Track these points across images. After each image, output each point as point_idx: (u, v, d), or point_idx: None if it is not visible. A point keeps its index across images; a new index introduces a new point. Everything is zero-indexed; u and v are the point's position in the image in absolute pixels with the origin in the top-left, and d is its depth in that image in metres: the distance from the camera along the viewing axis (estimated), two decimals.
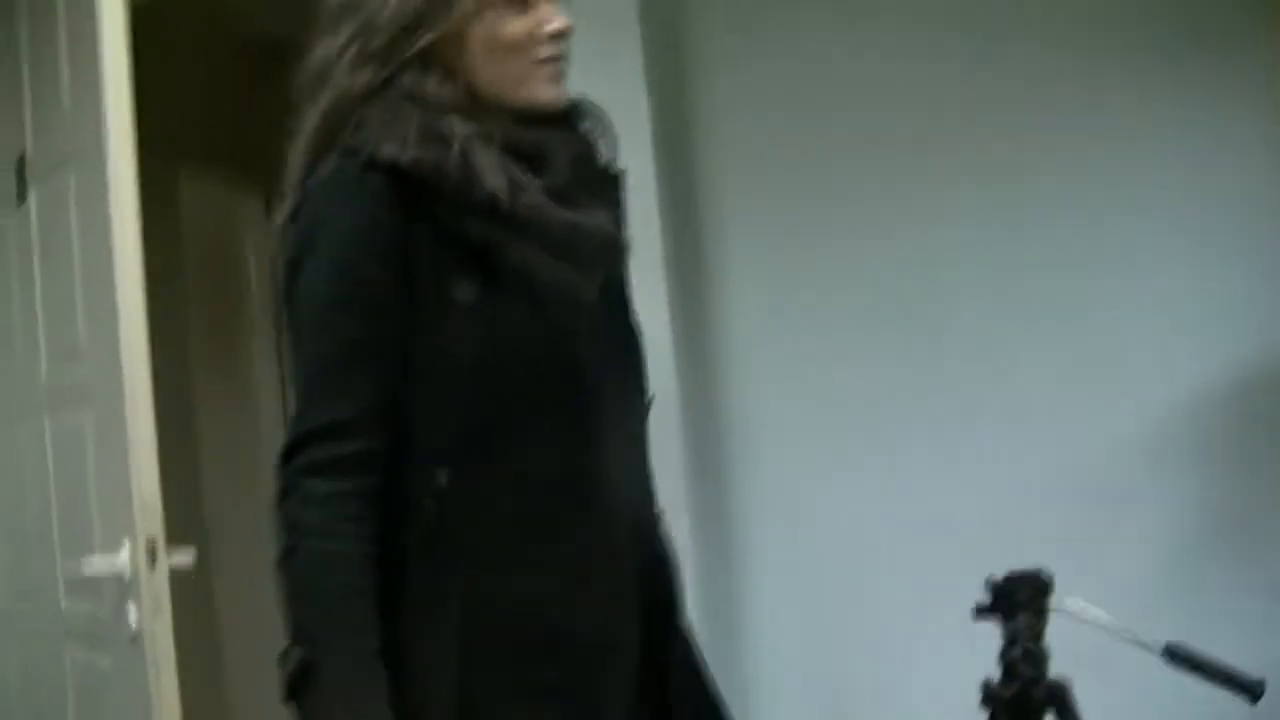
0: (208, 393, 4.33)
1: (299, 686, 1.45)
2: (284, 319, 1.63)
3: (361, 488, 1.50)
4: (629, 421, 1.70)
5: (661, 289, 2.99)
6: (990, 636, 2.76)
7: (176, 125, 3.17)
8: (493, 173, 1.54)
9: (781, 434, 3.20)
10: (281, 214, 1.66)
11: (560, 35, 1.66)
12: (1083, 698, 2.08)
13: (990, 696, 2.21)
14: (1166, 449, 2.95)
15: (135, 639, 2.63)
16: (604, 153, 1.73)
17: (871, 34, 3.18)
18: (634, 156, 1.80)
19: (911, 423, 3.11)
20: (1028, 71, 3.09)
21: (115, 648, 2.72)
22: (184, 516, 2.68)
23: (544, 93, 1.65)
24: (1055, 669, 2.13)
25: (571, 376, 1.59)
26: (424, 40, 1.60)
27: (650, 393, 1.76)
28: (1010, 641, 2.21)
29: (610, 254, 1.68)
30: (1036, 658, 2.19)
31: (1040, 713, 2.19)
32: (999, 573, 2.23)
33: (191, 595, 2.72)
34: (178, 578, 2.66)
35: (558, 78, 1.67)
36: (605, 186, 1.71)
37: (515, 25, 1.63)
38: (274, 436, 4.53)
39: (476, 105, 1.61)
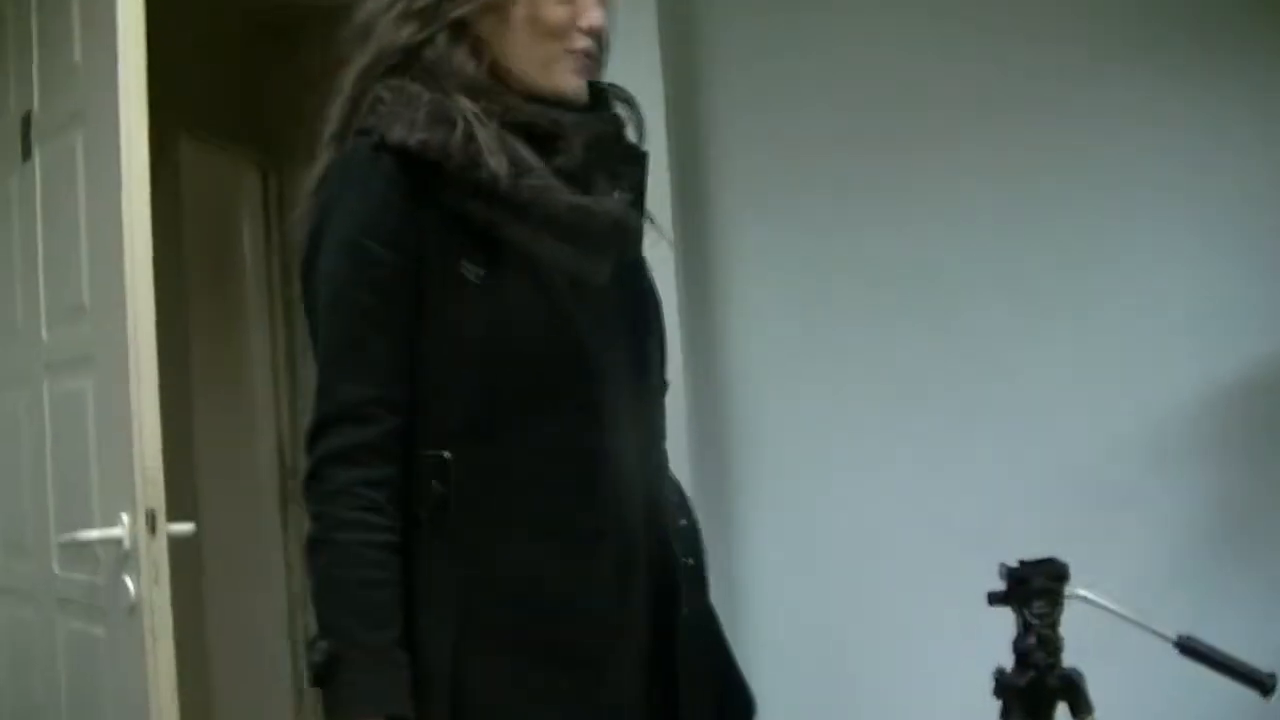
0: (202, 362, 4.29)
1: (324, 676, 1.50)
2: (302, 295, 1.67)
3: (383, 475, 1.54)
4: (641, 403, 1.71)
5: (670, 279, 2.97)
6: (991, 630, 2.77)
7: (175, 92, 3.14)
8: (495, 155, 1.55)
9: (784, 429, 3.20)
10: (311, 174, 1.68)
11: (595, 30, 1.69)
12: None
13: (1004, 685, 2.20)
14: (1168, 447, 2.96)
15: (134, 609, 2.60)
16: (631, 137, 1.75)
17: (881, 31, 3.20)
18: (648, 147, 1.81)
19: (914, 418, 3.11)
20: (1032, 71, 3.10)
21: (111, 618, 2.69)
22: (176, 486, 2.68)
23: (568, 82, 1.68)
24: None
25: (576, 358, 1.60)
26: (467, 8, 1.63)
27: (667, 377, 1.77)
28: (1024, 629, 2.21)
29: (621, 237, 1.68)
30: (1051, 645, 2.19)
31: (1054, 701, 2.19)
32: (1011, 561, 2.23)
33: (180, 568, 2.71)
34: (172, 549, 2.63)
35: (584, 70, 1.70)
36: (628, 170, 1.72)
37: (557, 10, 1.66)
38: (267, 407, 4.53)
39: (498, 83, 1.64)
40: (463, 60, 1.62)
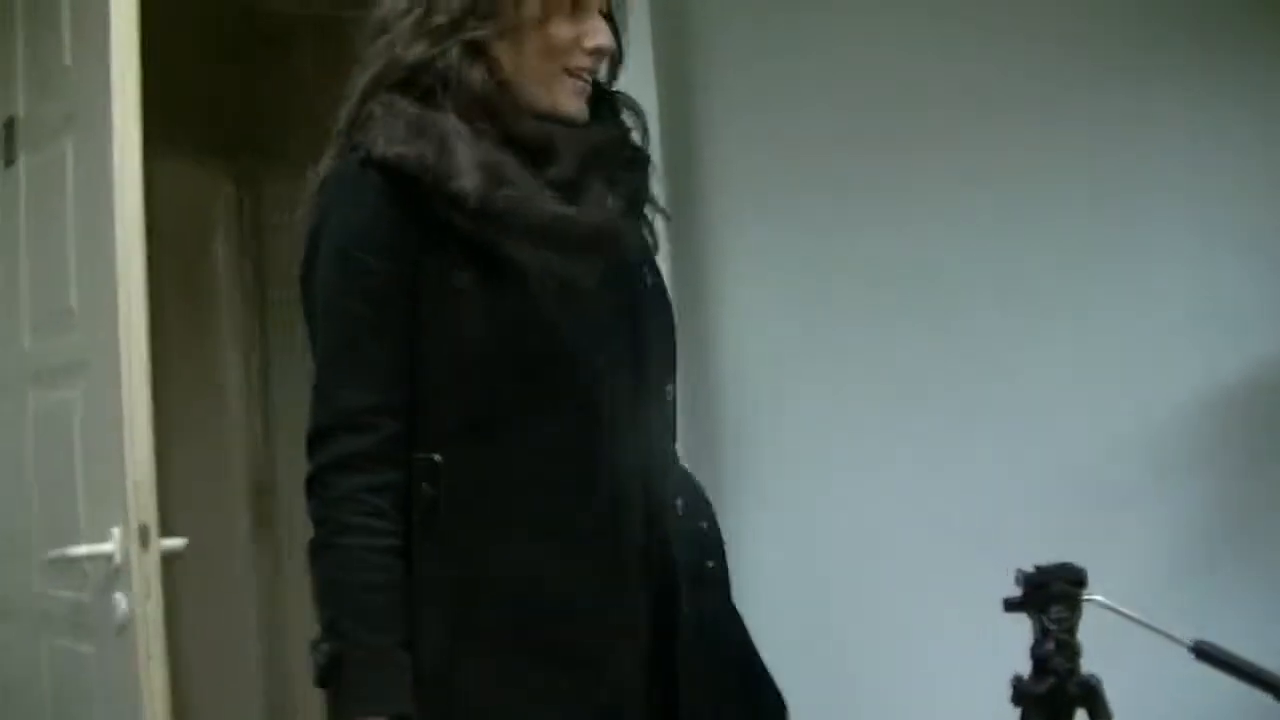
0: (172, 377, 4.21)
1: (328, 677, 1.55)
2: (301, 300, 1.72)
3: (384, 481, 1.58)
4: (641, 405, 1.73)
5: (665, 281, 2.95)
6: (994, 630, 2.75)
7: (147, 101, 3.08)
8: (468, 170, 1.59)
9: (782, 429, 3.18)
10: (314, 177, 1.72)
11: (599, 51, 1.72)
12: None
13: (1022, 692, 2.18)
14: (1168, 447, 2.95)
15: (125, 627, 2.54)
16: (636, 144, 1.80)
17: (879, 31, 3.18)
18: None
19: (913, 419, 3.10)
20: (1032, 71, 3.09)
21: (101, 635, 2.63)
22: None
23: (568, 103, 1.71)
24: None
25: (566, 361, 1.64)
26: (482, 31, 1.66)
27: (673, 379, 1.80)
28: (1043, 635, 2.18)
29: (607, 243, 1.70)
30: (1070, 652, 2.17)
31: (1074, 708, 2.17)
32: (1025, 567, 2.21)
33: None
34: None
35: (584, 91, 1.73)
36: (627, 177, 1.76)
37: (563, 29, 1.69)
38: (240, 425, 4.46)
39: (504, 99, 1.67)
40: (475, 78, 1.65)
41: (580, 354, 1.65)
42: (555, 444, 1.63)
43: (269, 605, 4.37)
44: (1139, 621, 2.14)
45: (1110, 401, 3.00)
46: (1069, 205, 3.08)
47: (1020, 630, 2.80)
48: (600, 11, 1.73)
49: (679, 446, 1.86)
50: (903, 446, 3.09)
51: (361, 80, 1.70)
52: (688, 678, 1.71)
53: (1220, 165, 2.95)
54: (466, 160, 1.60)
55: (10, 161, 2.80)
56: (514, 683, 1.60)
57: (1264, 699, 2.09)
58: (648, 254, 1.82)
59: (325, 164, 1.71)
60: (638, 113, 1.83)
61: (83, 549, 2.54)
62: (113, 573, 2.55)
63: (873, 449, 3.12)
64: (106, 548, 2.53)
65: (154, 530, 2.56)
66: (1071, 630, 2.17)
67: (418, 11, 1.67)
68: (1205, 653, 2.16)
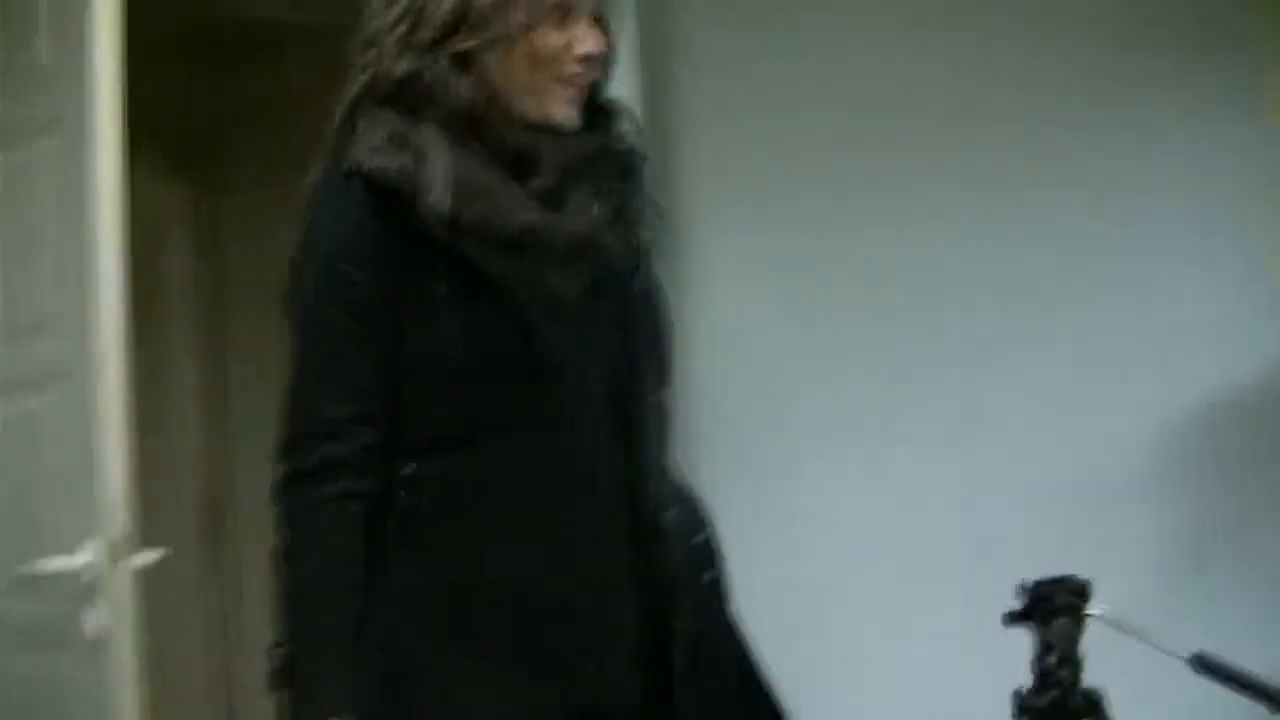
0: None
1: (283, 681, 1.58)
2: (286, 312, 1.71)
3: (357, 489, 1.60)
4: (624, 415, 1.72)
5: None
6: (991, 633, 2.74)
7: None
8: (440, 183, 1.60)
9: (776, 430, 3.15)
10: (306, 187, 1.72)
11: (589, 59, 1.71)
12: None
13: (1024, 706, 2.16)
14: (1169, 450, 2.95)
15: (97, 643, 2.47)
16: (624, 148, 1.79)
17: (873, 31, 3.17)
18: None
19: (911, 420, 3.10)
20: (1029, 74, 3.09)
21: (70, 653, 2.55)
22: None
23: (559, 111, 1.71)
24: None
25: (545, 374, 1.64)
26: (469, 43, 1.66)
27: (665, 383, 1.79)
28: (1045, 648, 2.17)
29: (588, 252, 1.70)
30: (1073, 665, 2.16)
31: None
32: (1026, 577, 2.19)
33: None
34: None
35: (575, 99, 1.73)
36: (616, 186, 1.75)
37: (552, 37, 1.68)
38: (197, 444, 4.37)
39: (493, 110, 1.67)
40: (462, 91, 1.66)
41: (560, 365, 1.66)
42: (533, 455, 1.64)
43: (226, 626, 4.30)
44: (1141, 638, 2.14)
45: (1110, 403, 3.00)
46: (1068, 207, 3.07)
47: (1018, 632, 2.81)
48: (591, 15, 1.73)
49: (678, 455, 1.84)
50: (900, 447, 3.09)
51: (349, 93, 1.71)
52: (683, 693, 1.71)
53: (1219, 166, 2.96)
54: (440, 173, 1.60)
55: None
56: (484, 685, 1.61)
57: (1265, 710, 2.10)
58: (639, 261, 1.80)
59: (313, 176, 1.72)
60: (632, 119, 1.83)
61: (58, 563, 2.47)
62: (85, 588, 2.48)
63: (870, 450, 3.12)
64: (81, 562, 2.45)
65: (130, 544, 2.50)
66: (1074, 643, 2.16)
67: (405, 25, 1.67)
68: (1205, 665, 2.17)
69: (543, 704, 1.63)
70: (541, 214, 1.65)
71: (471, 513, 1.63)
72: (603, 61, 1.76)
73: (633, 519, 1.72)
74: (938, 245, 3.10)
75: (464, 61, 1.66)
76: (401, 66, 1.66)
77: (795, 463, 3.15)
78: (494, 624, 1.62)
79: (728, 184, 3.26)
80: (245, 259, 4.17)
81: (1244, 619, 2.71)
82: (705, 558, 1.82)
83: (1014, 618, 2.20)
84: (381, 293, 1.62)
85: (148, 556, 2.56)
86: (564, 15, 1.69)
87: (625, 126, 1.81)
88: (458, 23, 1.65)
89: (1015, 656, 2.18)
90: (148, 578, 2.93)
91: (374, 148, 1.63)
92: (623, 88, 2.78)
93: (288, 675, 1.57)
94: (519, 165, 1.67)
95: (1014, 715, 2.18)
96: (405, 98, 1.67)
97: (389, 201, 1.61)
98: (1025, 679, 2.17)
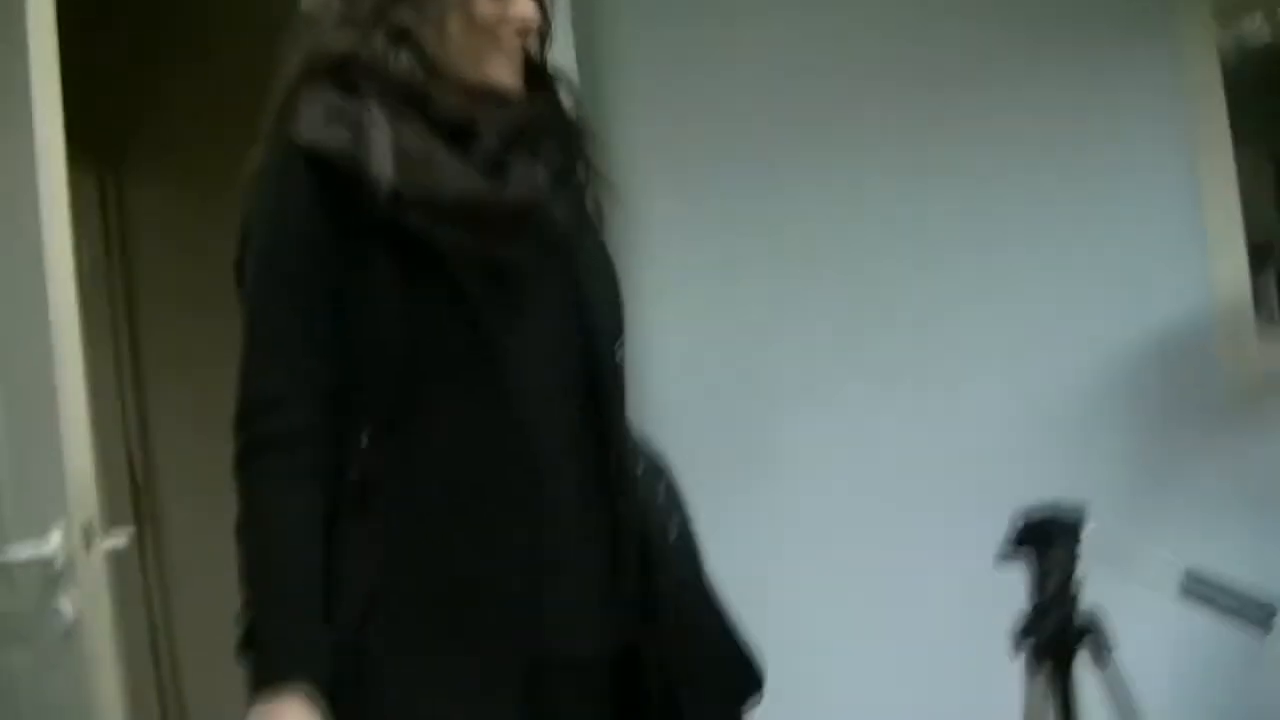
0: None
1: (247, 645, 1.61)
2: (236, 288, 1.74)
3: (304, 461, 1.62)
4: (576, 380, 1.74)
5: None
6: (944, 574, 2.80)
7: None
8: (383, 156, 1.61)
9: (734, 389, 3.16)
10: (247, 168, 1.73)
11: (526, 23, 1.74)
12: None
13: (1026, 632, 2.21)
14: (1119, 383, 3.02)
15: (68, 632, 2.39)
16: (567, 114, 1.82)
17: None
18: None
19: (871, 364, 3.11)
20: (966, 25, 3.14)
21: (39, 644, 2.46)
22: None
23: (499, 75, 1.73)
24: None
25: (485, 339, 1.65)
26: (407, 17, 1.68)
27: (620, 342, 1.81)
28: (1044, 576, 2.21)
29: (533, 219, 1.71)
30: (1071, 592, 2.20)
31: (1076, 643, 2.20)
32: (1018, 506, 2.23)
33: None
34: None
35: (515, 67, 1.75)
36: (556, 152, 1.77)
37: (487, 8, 1.70)
38: (115, 427, 4.24)
39: (432, 81, 1.69)
40: (401, 64, 1.67)
41: (507, 335, 1.66)
42: (469, 427, 1.65)
43: (155, 613, 4.21)
44: (1141, 554, 2.20)
45: (1066, 338, 3.07)
46: (1019, 155, 3.16)
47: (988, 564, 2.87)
48: None
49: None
50: (851, 402, 3.12)
51: (288, 71, 1.72)
52: (654, 647, 1.72)
53: (1154, 113, 3.05)
54: (382, 146, 1.61)
55: None
56: (440, 645, 1.62)
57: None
58: (585, 223, 1.83)
59: (254, 155, 1.73)
60: (571, 87, 1.85)
61: (23, 552, 2.37)
62: (53, 576, 2.39)
63: (818, 408, 3.14)
64: (49, 547, 2.37)
65: (98, 532, 2.42)
66: (1072, 571, 2.20)
67: (342, 1, 1.71)
68: (1195, 583, 2.23)
69: (502, 660, 1.63)
70: (485, 182, 1.67)
71: (426, 485, 1.64)
72: (540, 30, 1.79)
73: (599, 477, 1.72)
74: (888, 199, 3.16)
75: (402, 35, 1.68)
76: (340, 42, 1.68)
77: (763, 416, 3.16)
78: (439, 590, 1.63)
79: (669, 149, 3.25)
80: (154, 248, 4.07)
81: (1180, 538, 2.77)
82: (673, 510, 1.83)
83: (1011, 547, 2.24)
84: (324, 270, 1.63)
85: (118, 538, 2.48)
86: None
87: (565, 94, 1.83)
88: None
89: (991, 590, 2.23)
90: None
91: (314, 124, 1.63)
92: (559, 55, 2.80)
93: (251, 641, 1.60)
94: (460, 135, 1.68)
95: (1016, 641, 2.23)
96: (344, 74, 1.67)
97: (330, 178, 1.62)
98: (1015, 611, 2.22)
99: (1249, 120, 3.09)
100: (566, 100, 1.83)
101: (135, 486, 4.26)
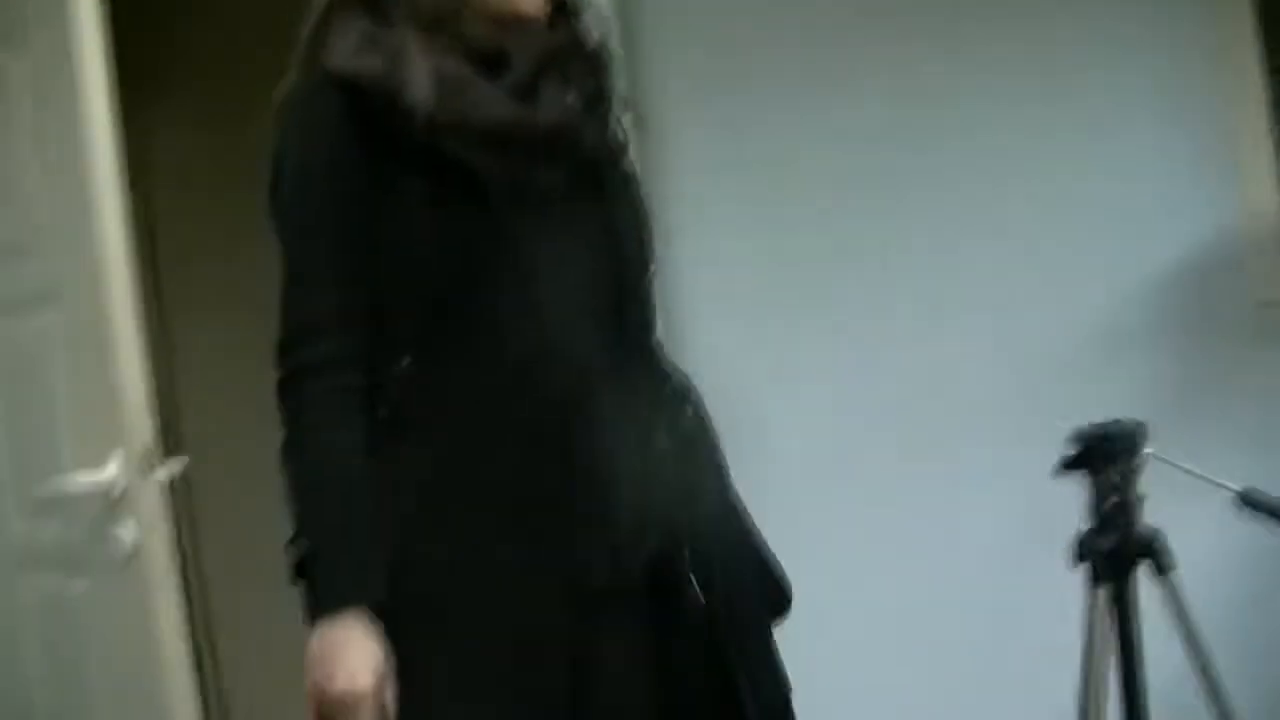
0: None
1: (301, 573, 1.60)
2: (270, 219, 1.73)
3: (346, 384, 1.63)
4: (609, 304, 1.74)
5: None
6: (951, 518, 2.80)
7: None
8: (421, 81, 1.61)
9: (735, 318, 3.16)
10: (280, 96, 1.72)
11: None
12: None
13: (1086, 548, 2.19)
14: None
15: (128, 559, 2.42)
16: (591, 43, 1.80)
17: None
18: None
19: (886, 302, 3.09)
20: None
21: (98, 572, 2.50)
22: None
23: (528, 6, 1.72)
24: None
25: (519, 261, 1.66)
26: None
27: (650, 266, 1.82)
28: (1104, 492, 2.19)
29: (566, 143, 1.72)
30: (1131, 507, 2.19)
31: (1137, 560, 2.19)
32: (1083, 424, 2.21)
33: None
34: None
35: None
36: (587, 79, 1.76)
37: None
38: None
39: (461, 10, 1.68)
40: None
41: (540, 254, 1.68)
42: (500, 346, 1.66)
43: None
44: (1194, 473, 2.17)
45: (1078, 270, 3.03)
46: (1030, 88, 3.07)
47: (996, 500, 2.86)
48: None
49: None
50: (863, 341, 3.09)
51: (319, 2, 1.71)
52: (692, 571, 1.72)
53: (1171, 43, 2.99)
54: (419, 72, 1.61)
55: None
56: (474, 567, 1.63)
57: None
58: (614, 150, 1.83)
59: (287, 83, 1.72)
60: (598, 15, 1.84)
61: (84, 480, 2.40)
62: (112, 503, 2.42)
63: (840, 326, 3.10)
64: (107, 475, 2.39)
65: (156, 459, 2.44)
66: (1132, 484, 2.19)
67: None
68: (1249, 500, 2.21)
69: (542, 586, 1.64)
70: (517, 107, 1.67)
71: (465, 405, 1.65)
72: None
73: (631, 397, 1.73)
74: (927, 125, 3.07)
75: None
76: None
77: (799, 343, 3.14)
78: (490, 511, 1.64)
79: (695, 81, 3.20)
80: (175, 183, 4.06)
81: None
82: (701, 432, 1.83)
83: (1068, 464, 2.22)
84: (358, 197, 1.63)
85: (174, 466, 2.50)
86: None
87: (590, 22, 1.82)
88: None
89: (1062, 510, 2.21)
90: None
91: (346, 52, 1.63)
92: None
93: (307, 567, 1.60)
94: (490, 62, 1.68)
95: (1075, 558, 2.22)
96: (374, 2, 1.67)
97: (363, 105, 1.62)
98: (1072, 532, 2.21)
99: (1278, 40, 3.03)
100: (593, 30, 1.82)
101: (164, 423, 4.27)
